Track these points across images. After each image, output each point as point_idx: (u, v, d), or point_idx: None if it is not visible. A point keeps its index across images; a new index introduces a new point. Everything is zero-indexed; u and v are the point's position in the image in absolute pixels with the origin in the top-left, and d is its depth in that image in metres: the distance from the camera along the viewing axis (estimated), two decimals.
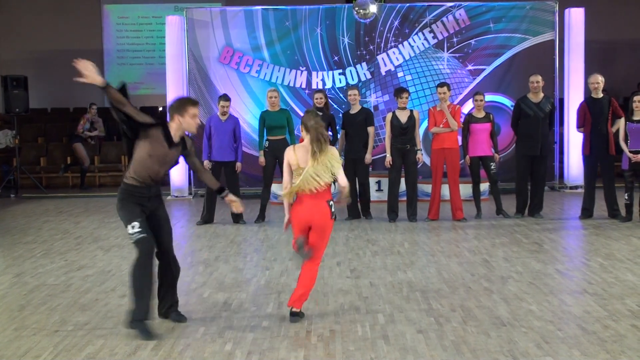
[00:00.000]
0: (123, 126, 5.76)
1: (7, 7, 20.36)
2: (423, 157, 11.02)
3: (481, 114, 11.07)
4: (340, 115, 13.98)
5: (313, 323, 5.94)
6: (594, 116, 10.63)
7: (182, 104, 5.91)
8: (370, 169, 11.67)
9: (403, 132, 10.78)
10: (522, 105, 11.00)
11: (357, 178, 11.18)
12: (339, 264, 8.13)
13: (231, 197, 6.11)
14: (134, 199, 5.78)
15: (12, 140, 16.61)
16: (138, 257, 5.66)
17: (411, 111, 10.90)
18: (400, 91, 11.00)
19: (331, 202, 5.92)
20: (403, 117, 10.82)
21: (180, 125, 5.84)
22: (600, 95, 10.69)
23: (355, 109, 11.17)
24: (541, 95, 10.99)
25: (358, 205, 11.37)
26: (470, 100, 14.17)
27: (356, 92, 11.23)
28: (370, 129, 11.08)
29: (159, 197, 6.02)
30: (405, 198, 11.21)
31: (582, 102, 11.16)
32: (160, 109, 19.28)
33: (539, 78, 10.97)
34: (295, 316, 6.01)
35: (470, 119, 11.11)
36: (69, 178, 17.29)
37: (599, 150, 10.63)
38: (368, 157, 11.06)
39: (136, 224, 5.67)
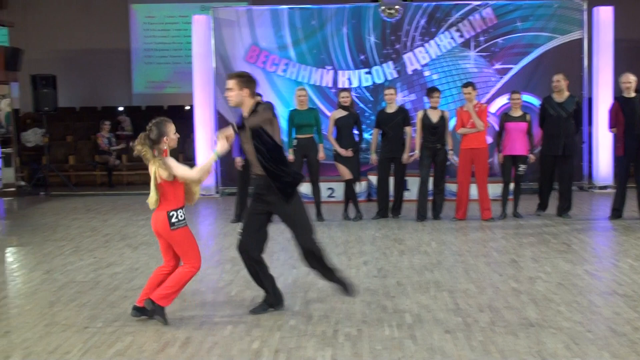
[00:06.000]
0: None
1: (36, 7, 20.52)
2: (454, 158, 11.00)
3: (517, 113, 10.93)
4: (366, 114, 14.04)
5: (340, 322, 5.94)
6: (626, 116, 10.51)
7: (253, 81, 6.10)
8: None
9: (433, 132, 10.78)
10: (546, 105, 10.95)
11: (393, 177, 11.30)
12: (366, 264, 8.13)
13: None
14: None
15: (42, 138, 16.77)
16: None
17: (442, 112, 10.90)
18: (431, 90, 11.04)
19: (172, 213, 5.86)
20: (434, 116, 10.82)
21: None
22: (633, 94, 10.58)
23: (392, 109, 11.16)
24: (566, 94, 10.89)
25: (389, 204, 11.38)
26: (498, 99, 14.16)
27: (393, 91, 11.22)
28: (408, 129, 11.09)
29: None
30: (431, 197, 11.20)
31: (613, 102, 11.02)
32: (187, 108, 19.35)
33: (561, 77, 10.88)
34: (162, 309, 5.98)
35: (505, 118, 10.99)
36: (97, 176, 17.41)
37: (632, 151, 10.50)
38: (405, 157, 11.06)
39: None
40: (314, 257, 6.13)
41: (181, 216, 5.91)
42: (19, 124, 17.74)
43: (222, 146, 5.83)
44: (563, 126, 10.80)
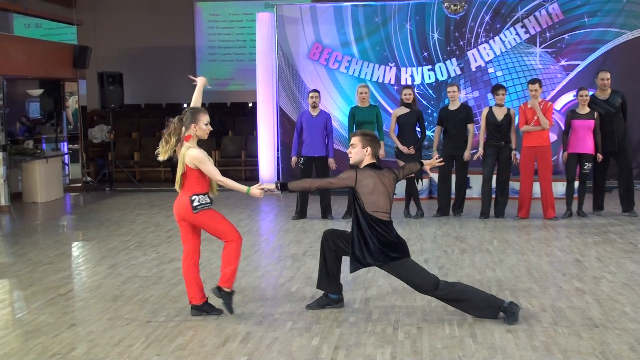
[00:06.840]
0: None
1: (104, 6, 20.91)
2: (517, 157, 10.86)
3: (585, 110, 10.72)
4: (429, 111, 13.95)
5: (400, 320, 5.92)
6: None
7: (377, 141, 6.13)
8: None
9: (497, 130, 10.67)
10: (593, 105, 10.77)
11: (455, 175, 11.25)
12: (427, 261, 8.08)
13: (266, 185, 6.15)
14: None
15: (107, 135, 17.08)
16: None
17: (508, 109, 10.77)
18: (497, 88, 10.92)
19: (194, 197, 6.02)
20: (499, 114, 10.70)
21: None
22: None
23: (454, 106, 11.08)
24: (609, 91, 10.77)
25: (450, 202, 11.30)
26: (563, 96, 13.89)
27: (455, 88, 11.13)
28: (471, 126, 11.01)
29: None
30: (493, 195, 11.07)
31: None
32: (250, 104, 19.49)
33: (609, 75, 10.76)
34: (228, 295, 6.15)
35: (572, 115, 10.81)
36: (161, 172, 17.65)
37: None
38: (467, 154, 10.98)
39: None
40: (444, 300, 5.99)
41: (204, 200, 6.05)
42: (86, 120, 18.09)
43: (255, 192, 6.01)
44: (615, 122, 10.68)
